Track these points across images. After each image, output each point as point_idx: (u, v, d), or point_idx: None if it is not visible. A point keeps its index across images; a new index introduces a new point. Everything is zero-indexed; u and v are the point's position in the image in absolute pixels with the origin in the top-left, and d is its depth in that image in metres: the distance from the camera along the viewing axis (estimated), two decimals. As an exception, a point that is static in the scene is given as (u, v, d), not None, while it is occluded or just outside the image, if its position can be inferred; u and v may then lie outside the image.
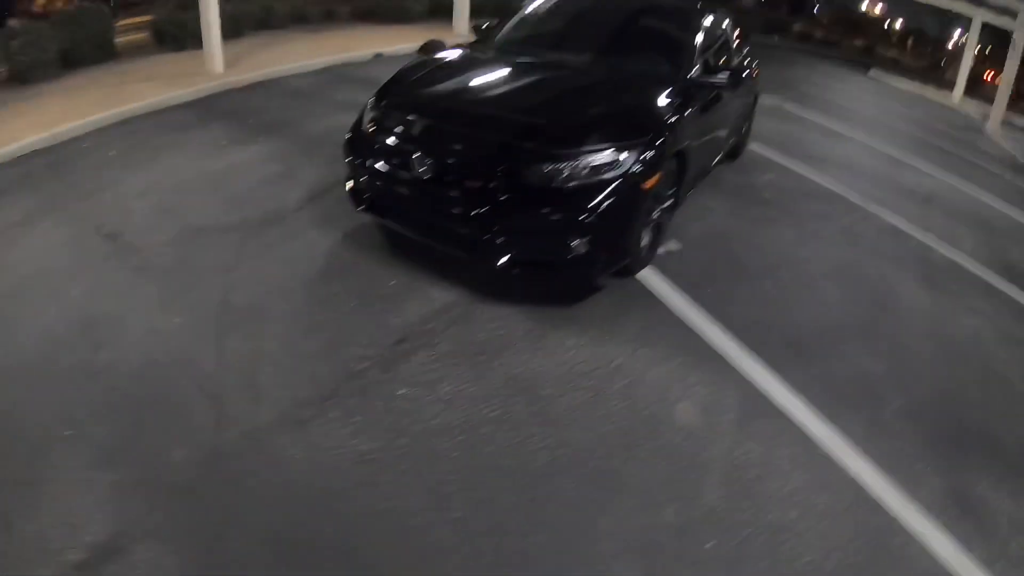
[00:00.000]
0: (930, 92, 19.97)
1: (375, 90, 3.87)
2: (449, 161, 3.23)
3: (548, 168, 3.10)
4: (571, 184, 3.09)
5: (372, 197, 3.58)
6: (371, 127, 3.59)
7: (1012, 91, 15.70)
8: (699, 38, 4.42)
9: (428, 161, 3.21)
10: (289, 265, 3.59)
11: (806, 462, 2.70)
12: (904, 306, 4.33)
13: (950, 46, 33.14)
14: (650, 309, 3.53)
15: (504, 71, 4.04)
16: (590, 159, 3.13)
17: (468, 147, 3.29)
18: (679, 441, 2.69)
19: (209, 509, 2.14)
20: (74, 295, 3.24)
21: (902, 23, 36.91)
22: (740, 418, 2.88)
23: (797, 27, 27.95)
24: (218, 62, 7.18)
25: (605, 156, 3.15)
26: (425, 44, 9.41)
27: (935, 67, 31.03)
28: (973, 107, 18.08)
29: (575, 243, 3.12)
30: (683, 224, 4.47)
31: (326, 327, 3.10)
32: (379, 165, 3.42)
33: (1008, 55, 15.24)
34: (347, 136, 3.74)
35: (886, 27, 37.08)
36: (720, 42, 4.95)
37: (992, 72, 25.71)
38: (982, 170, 10.03)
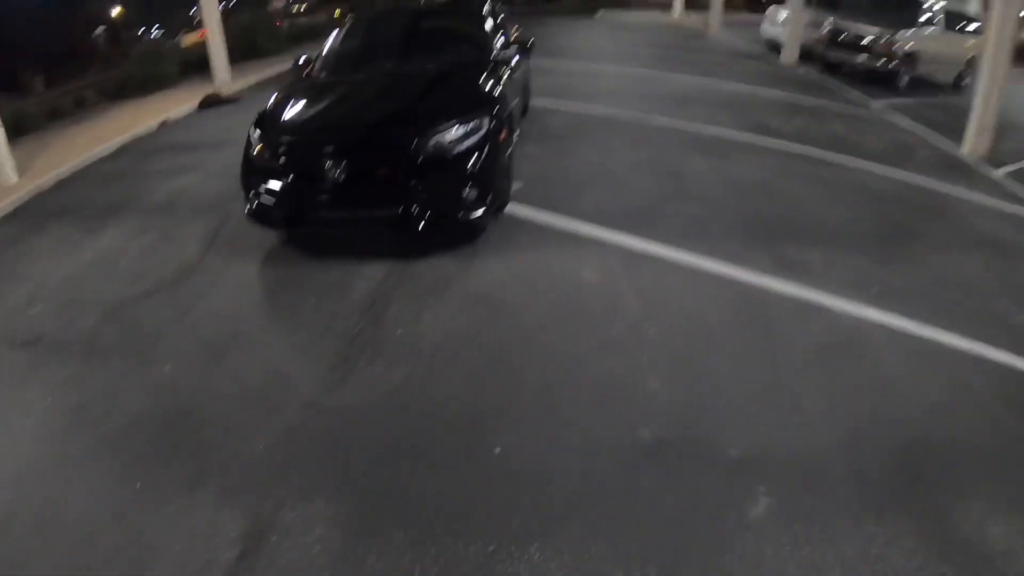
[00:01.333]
0: (654, 16, 23.44)
1: (253, 124, 4.54)
2: (356, 161, 4.04)
3: (432, 144, 4.07)
4: (453, 151, 4.11)
5: (286, 211, 4.24)
6: (267, 154, 4.24)
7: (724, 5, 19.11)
8: (488, 23, 5.67)
9: (340, 165, 4.00)
10: (234, 297, 4.12)
11: (686, 279, 4.10)
12: (696, 172, 6.06)
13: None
14: (528, 228, 4.74)
15: (354, 87, 4.95)
16: (462, 128, 4.16)
17: (366, 147, 4.14)
18: (595, 292, 3.85)
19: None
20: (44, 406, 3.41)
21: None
22: (626, 267, 4.15)
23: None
24: (8, 170, 7.05)
25: (471, 123, 4.20)
26: (204, 99, 9.82)
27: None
28: (693, 19, 21.64)
29: (467, 193, 4.13)
30: (515, 169, 5.66)
31: (305, 323, 3.76)
32: (288, 182, 4.12)
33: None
34: (243, 168, 4.36)
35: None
36: (498, 21, 6.22)
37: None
38: (716, 64, 12.64)
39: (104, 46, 23.72)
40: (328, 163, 4.03)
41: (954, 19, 12.61)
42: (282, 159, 4.21)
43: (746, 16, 23.88)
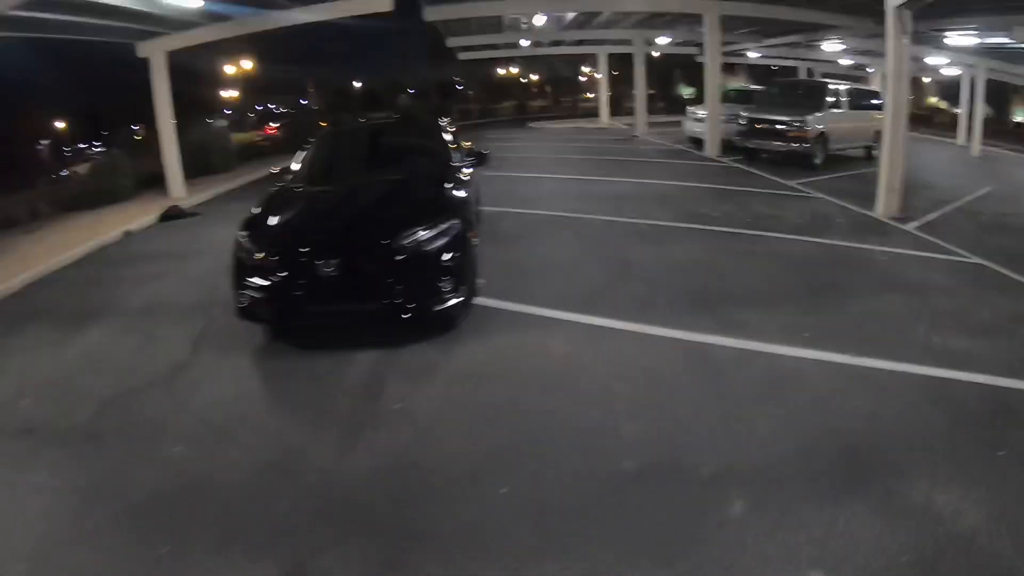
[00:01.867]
0: (582, 123, 25.44)
1: (240, 229, 4.97)
2: (344, 260, 4.53)
3: (411, 244, 4.65)
4: (429, 250, 4.69)
5: (278, 307, 4.64)
6: (258, 255, 4.68)
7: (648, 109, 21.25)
8: (446, 135, 6.44)
9: (330, 264, 4.49)
10: (233, 387, 4.39)
11: (641, 344, 4.77)
12: (638, 258, 6.97)
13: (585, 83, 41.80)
14: (495, 316, 5.34)
15: (333, 194, 5.52)
16: (436, 229, 4.77)
17: (351, 247, 4.65)
18: (565, 361, 4.45)
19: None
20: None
21: (539, 77, 45.34)
22: (588, 340, 4.85)
23: (456, 107, 32.76)
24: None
25: (445, 225, 4.82)
26: (165, 211, 10.27)
27: (576, 104, 38.81)
28: (619, 124, 23.61)
29: (443, 287, 4.69)
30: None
31: (307, 404, 4.11)
32: (280, 280, 4.55)
33: (635, 83, 20.29)
34: (234, 270, 4.77)
35: (526, 83, 45.38)
36: (453, 134, 7.03)
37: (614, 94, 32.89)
38: (647, 162, 13.94)
39: (48, 158, 24.04)
40: (318, 262, 4.52)
41: (859, 97, 14.44)
42: (274, 259, 4.65)
43: (666, 117, 26.28)
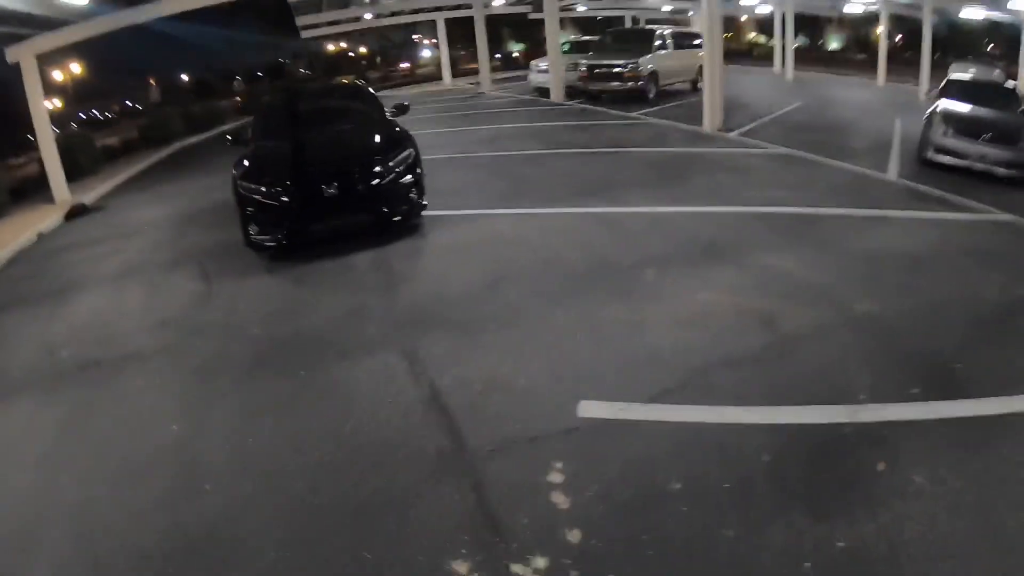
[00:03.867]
0: (428, 87, 27.07)
1: (238, 178, 6.21)
2: (342, 185, 6.06)
3: (390, 168, 6.29)
4: (402, 171, 6.36)
5: (289, 230, 6.06)
6: (265, 191, 6.03)
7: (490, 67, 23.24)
8: (373, 93, 8.06)
9: (332, 188, 6.02)
10: (269, 292, 5.67)
11: (560, 219, 6.98)
12: (529, 173, 9.26)
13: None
14: (442, 219, 7.08)
15: (309, 139, 6.83)
16: (407, 151, 6.49)
17: (345, 175, 6.16)
18: (511, 233, 6.39)
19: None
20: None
21: (368, 51, 46.08)
22: (521, 220, 6.89)
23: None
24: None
25: (408, 152, 6.51)
26: (70, 210, 10.76)
27: (412, 71, 40.27)
28: (463, 83, 25.54)
29: (415, 199, 6.45)
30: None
31: (346, 285, 5.56)
32: (290, 207, 5.99)
33: (477, 43, 22.14)
34: (243, 208, 6.09)
35: (355, 56, 46.13)
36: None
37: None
38: (504, 112, 16.02)
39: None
40: (322, 186, 6.02)
41: (682, 39, 17.42)
42: (280, 190, 6.04)
43: (504, 73, 28.63)
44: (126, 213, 10.06)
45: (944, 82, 11.34)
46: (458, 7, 23.79)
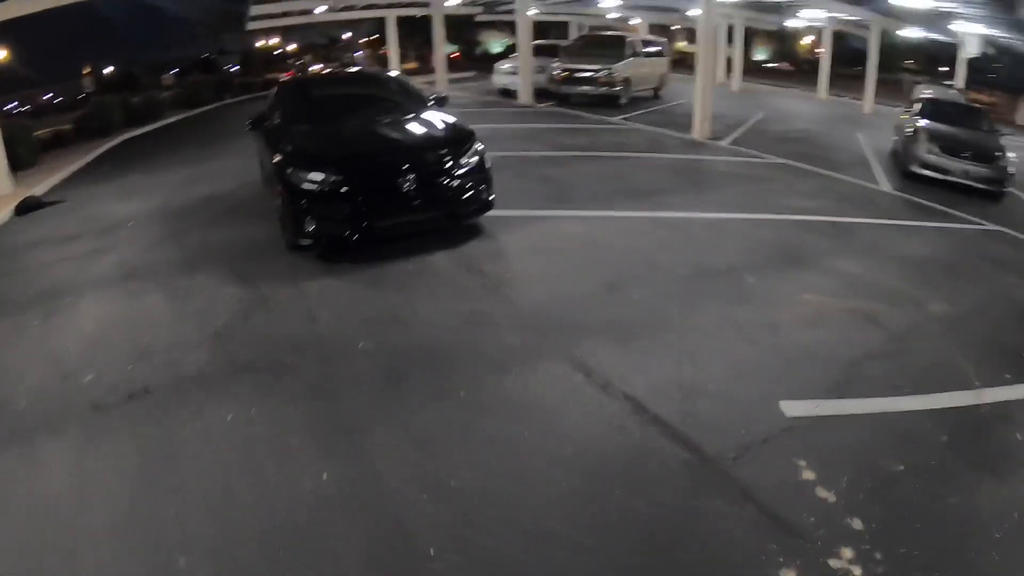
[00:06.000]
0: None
1: (289, 168, 5.64)
2: (416, 177, 5.71)
3: (467, 158, 6.05)
4: (477, 162, 6.12)
5: (353, 226, 5.59)
6: (325, 183, 5.53)
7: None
8: (410, 84, 7.83)
9: (408, 180, 5.66)
10: (340, 295, 5.22)
11: (620, 221, 7.05)
12: (553, 174, 9.18)
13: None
14: (496, 219, 6.92)
15: (363, 128, 6.42)
16: (477, 146, 6.23)
17: (422, 166, 5.83)
18: (583, 233, 6.51)
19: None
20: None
21: (299, 48, 44.92)
22: (582, 221, 6.92)
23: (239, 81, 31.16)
24: None
25: (477, 146, 6.25)
26: (21, 203, 9.96)
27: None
28: (416, 82, 25.27)
29: (486, 192, 6.22)
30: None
31: (444, 286, 5.26)
32: (355, 201, 5.57)
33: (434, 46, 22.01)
34: (293, 202, 5.57)
35: (281, 52, 44.88)
36: None
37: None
38: (480, 113, 15.98)
39: None
40: (397, 180, 5.66)
41: (647, 47, 17.97)
42: (346, 183, 5.59)
43: (451, 74, 28.51)
44: (94, 207, 9.16)
45: (921, 101, 12.25)
46: (412, 4, 23.53)
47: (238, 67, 35.12)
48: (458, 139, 6.29)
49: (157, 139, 15.66)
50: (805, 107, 21.32)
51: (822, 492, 2.94)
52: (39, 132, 14.86)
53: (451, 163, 5.98)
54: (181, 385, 3.94)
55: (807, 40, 41.22)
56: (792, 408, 3.56)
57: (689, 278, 5.42)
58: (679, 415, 3.49)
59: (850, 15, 20.80)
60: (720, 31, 22.60)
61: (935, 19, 17.92)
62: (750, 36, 34.61)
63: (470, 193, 6.09)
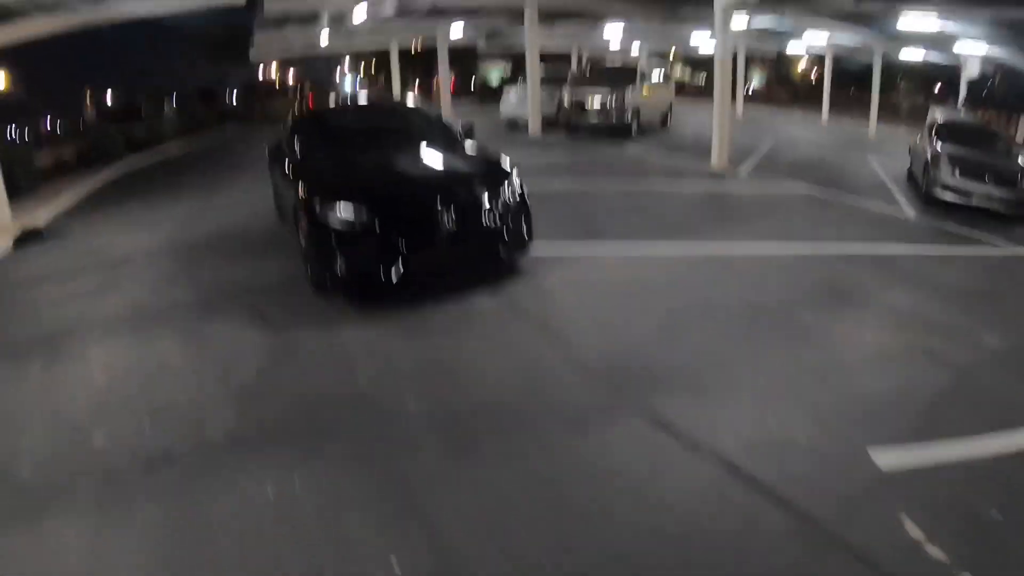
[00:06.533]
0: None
1: (316, 203, 5.14)
2: (459, 214, 5.24)
3: (508, 195, 5.60)
4: (517, 200, 5.70)
5: (393, 269, 5.07)
6: (358, 220, 5.04)
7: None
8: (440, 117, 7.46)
9: (450, 218, 5.19)
10: (377, 367, 4.71)
11: (663, 255, 6.74)
12: (588, 208, 8.45)
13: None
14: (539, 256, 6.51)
15: (394, 162, 5.96)
16: (517, 182, 5.79)
17: (463, 203, 5.33)
18: (623, 270, 6.17)
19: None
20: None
21: (302, 80, 44.95)
22: (622, 256, 6.59)
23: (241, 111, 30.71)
24: None
25: (517, 180, 5.82)
26: (21, 235, 9.38)
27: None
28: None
29: (526, 230, 5.78)
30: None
31: (491, 328, 4.86)
32: (391, 240, 5.06)
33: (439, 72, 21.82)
34: (320, 240, 5.10)
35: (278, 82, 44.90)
36: None
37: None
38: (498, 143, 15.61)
39: None
40: (435, 216, 5.17)
41: (652, 75, 17.71)
42: (394, 218, 5.12)
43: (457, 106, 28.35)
44: (96, 240, 8.68)
45: (936, 124, 12.01)
46: (416, 33, 23.37)
47: (241, 96, 34.80)
48: (497, 172, 5.87)
49: (161, 168, 15.28)
50: (813, 134, 21.30)
51: (933, 551, 2.70)
52: (40, 160, 14.49)
53: (492, 198, 5.52)
54: (208, 450, 3.42)
55: (802, 65, 41.51)
56: (883, 457, 3.32)
57: (744, 318, 5.05)
58: (775, 474, 3.15)
59: (853, 40, 20.76)
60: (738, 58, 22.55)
61: (940, 41, 17.90)
62: (746, 62, 34.77)
63: (512, 230, 5.63)
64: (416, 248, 5.21)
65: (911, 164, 12.50)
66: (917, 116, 28.27)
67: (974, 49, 18.79)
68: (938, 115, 12.72)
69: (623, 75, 16.86)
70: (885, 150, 17.17)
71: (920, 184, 11.00)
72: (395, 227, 5.16)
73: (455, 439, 3.47)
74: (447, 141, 6.71)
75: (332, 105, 9.15)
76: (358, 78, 44.79)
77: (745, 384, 4.07)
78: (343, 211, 5.12)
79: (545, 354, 4.47)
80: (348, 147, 6.36)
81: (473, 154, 6.33)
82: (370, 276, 5.19)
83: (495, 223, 5.49)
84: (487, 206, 5.46)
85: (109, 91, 37.54)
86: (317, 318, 5.11)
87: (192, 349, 4.72)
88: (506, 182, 5.73)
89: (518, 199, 5.74)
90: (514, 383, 4.08)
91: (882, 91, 24.26)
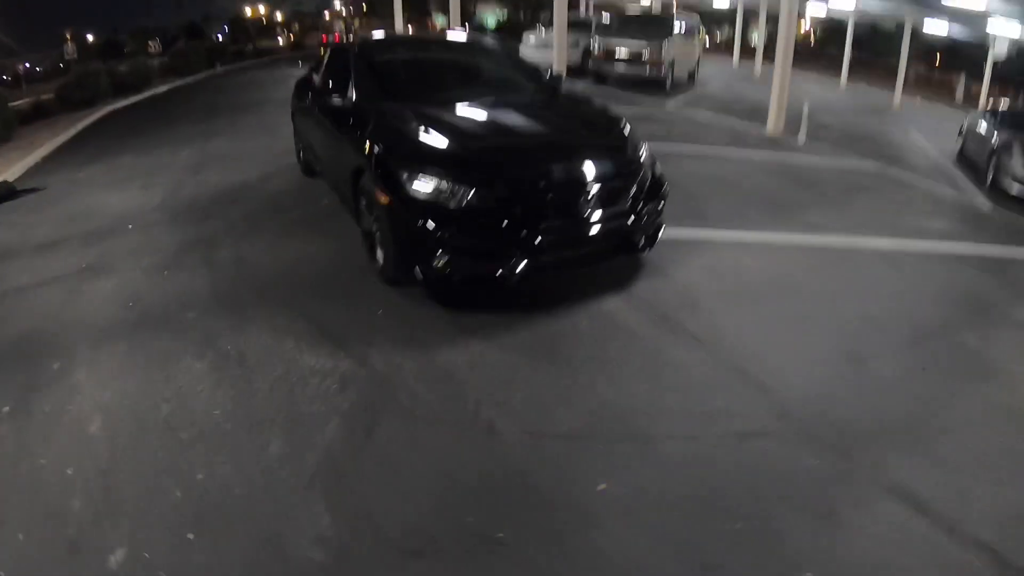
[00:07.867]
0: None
1: (404, 173, 3.81)
2: (599, 193, 3.92)
3: (646, 169, 4.32)
4: (651, 174, 4.39)
5: (515, 263, 3.75)
6: (468, 203, 3.70)
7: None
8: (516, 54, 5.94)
9: (587, 192, 3.88)
10: (516, 411, 3.53)
11: (774, 244, 5.52)
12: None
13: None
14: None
15: (487, 116, 4.59)
16: (651, 163, 4.44)
17: (603, 178, 3.97)
18: (754, 262, 5.05)
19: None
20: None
21: (286, 16, 42.42)
22: (740, 243, 5.26)
23: (232, 49, 28.24)
24: None
25: (652, 161, 4.49)
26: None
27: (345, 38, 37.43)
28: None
29: (661, 219, 4.48)
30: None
31: (637, 342, 3.65)
32: (516, 225, 3.73)
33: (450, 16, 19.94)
34: (413, 222, 3.74)
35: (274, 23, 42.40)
36: None
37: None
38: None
39: None
40: (571, 195, 3.85)
41: (688, 27, 16.25)
42: (506, 198, 3.76)
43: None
44: (80, 198, 7.05)
45: (1002, 112, 11.10)
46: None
47: (227, 34, 32.37)
48: (621, 135, 4.50)
49: (149, 111, 13.53)
50: (837, 97, 20.08)
51: None
52: (16, 103, 12.69)
53: (627, 169, 4.18)
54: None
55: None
56: None
57: (914, 342, 3.94)
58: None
59: (883, 8, 19.46)
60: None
61: (972, 18, 16.77)
62: (749, 20, 33.05)
63: (648, 212, 4.26)
64: (547, 234, 3.80)
65: (963, 146, 11.55)
66: (932, 89, 27.32)
67: (1007, 30, 17.59)
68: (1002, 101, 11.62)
69: (658, 25, 15.31)
70: (919, 122, 16.20)
71: (983, 171, 9.96)
72: (521, 206, 3.79)
73: (684, 547, 2.36)
74: (545, 91, 5.29)
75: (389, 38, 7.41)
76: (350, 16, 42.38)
77: (958, 438, 3.08)
78: (444, 185, 3.73)
79: (737, 395, 3.30)
80: (425, 94, 4.84)
81: (587, 110, 4.97)
82: (483, 273, 3.85)
83: (631, 203, 4.13)
84: (625, 181, 4.13)
85: (91, 30, 35.06)
86: (403, 331, 3.79)
87: (226, 382, 3.27)
88: (635, 147, 4.40)
89: (652, 170, 4.42)
90: (717, 449, 2.90)
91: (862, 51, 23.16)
